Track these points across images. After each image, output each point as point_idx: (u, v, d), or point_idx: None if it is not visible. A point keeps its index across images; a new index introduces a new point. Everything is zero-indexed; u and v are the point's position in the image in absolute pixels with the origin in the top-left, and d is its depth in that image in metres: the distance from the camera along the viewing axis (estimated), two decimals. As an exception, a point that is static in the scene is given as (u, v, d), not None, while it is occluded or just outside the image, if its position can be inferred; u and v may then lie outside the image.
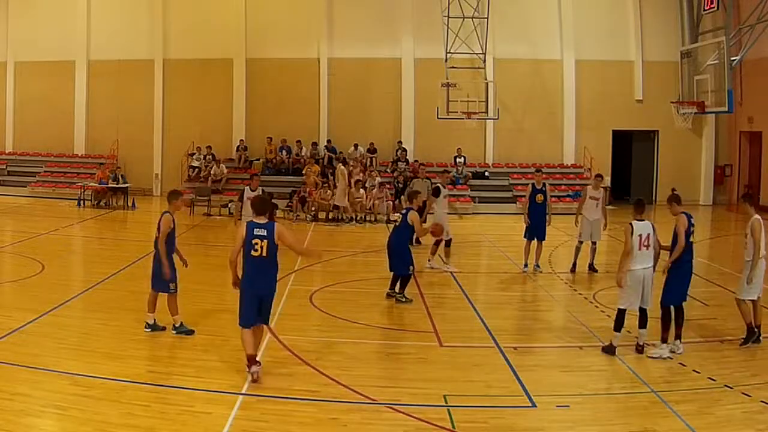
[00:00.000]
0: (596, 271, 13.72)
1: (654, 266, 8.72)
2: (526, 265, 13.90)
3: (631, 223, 8.64)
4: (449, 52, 24.28)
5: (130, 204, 23.01)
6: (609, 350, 8.71)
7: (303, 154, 25.09)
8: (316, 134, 25.85)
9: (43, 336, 9.03)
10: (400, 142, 25.43)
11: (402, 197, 20.10)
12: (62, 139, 26.85)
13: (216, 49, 26.07)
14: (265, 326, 8.09)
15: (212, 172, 23.96)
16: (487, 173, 25.19)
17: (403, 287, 11.42)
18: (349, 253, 16.29)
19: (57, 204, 23.64)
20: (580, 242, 13.88)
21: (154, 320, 9.30)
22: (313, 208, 21.34)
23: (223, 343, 9.05)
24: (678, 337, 8.71)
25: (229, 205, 21.91)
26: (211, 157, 24.73)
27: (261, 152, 25.74)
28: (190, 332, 9.16)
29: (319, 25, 26.01)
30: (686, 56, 24.84)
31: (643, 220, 8.68)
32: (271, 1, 26.36)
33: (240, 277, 7.80)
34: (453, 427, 6.66)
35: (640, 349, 8.71)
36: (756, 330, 8.96)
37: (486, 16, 24.18)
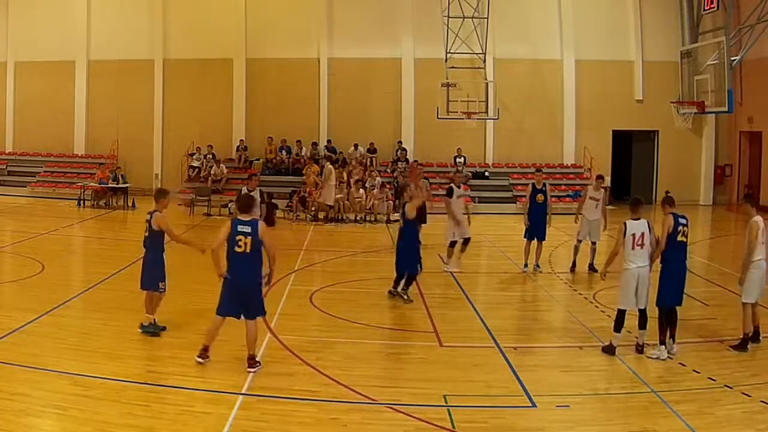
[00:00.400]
0: (596, 271, 13.67)
1: (651, 265, 8.72)
2: (526, 265, 13.90)
3: (625, 222, 8.66)
4: (449, 52, 24.28)
5: (130, 204, 23.01)
6: (609, 350, 8.72)
7: (303, 154, 25.09)
8: (316, 134, 25.85)
9: (43, 336, 9.03)
10: (400, 142, 25.43)
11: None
12: (62, 139, 26.86)
13: (216, 49, 26.07)
14: (257, 322, 8.08)
15: (212, 172, 23.96)
16: (487, 173, 25.19)
17: (408, 285, 11.40)
18: (349, 253, 16.28)
19: (57, 204, 23.64)
20: (579, 241, 13.89)
21: (154, 320, 9.30)
22: (313, 208, 21.34)
23: (223, 343, 9.03)
24: (671, 337, 8.70)
25: (229, 205, 21.89)
26: (211, 157, 24.73)
27: (261, 152, 25.74)
28: (156, 334, 9.12)
29: (319, 25, 26.01)
30: (686, 56, 24.84)
31: (638, 219, 8.68)
32: (271, 1, 26.36)
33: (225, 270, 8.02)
34: (453, 427, 6.66)
35: (640, 349, 8.71)
36: (747, 336, 8.91)
37: (486, 16, 24.18)
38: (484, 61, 24.85)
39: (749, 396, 7.33)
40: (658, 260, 8.77)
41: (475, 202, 23.96)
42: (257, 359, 8.09)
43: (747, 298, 8.94)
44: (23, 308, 10.19)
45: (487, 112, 24.19)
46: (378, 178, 22.59)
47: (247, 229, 7.82)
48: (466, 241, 13.99)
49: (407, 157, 24.85)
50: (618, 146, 26.20)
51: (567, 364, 8.54)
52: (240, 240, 7.79)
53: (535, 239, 13.81)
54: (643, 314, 8.69)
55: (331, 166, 21.53)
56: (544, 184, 14.02)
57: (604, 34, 25.81)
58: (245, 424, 6.65)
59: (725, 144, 26.31)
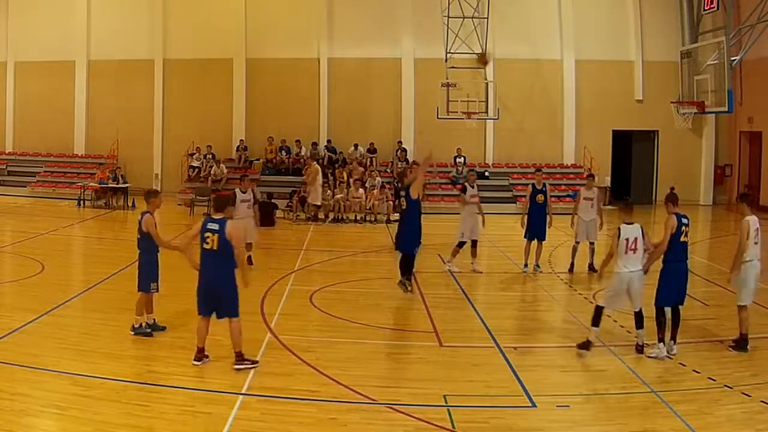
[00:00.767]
0: (595, 271, 13.67)
1: (647, 268, 8.74)
2: (526, 265, 13.90)
3: (619, 227, 8.65)
4: (449, 52, 24.28)
5: (130, 204, 23.01)
6: (585, 346, 8.68)
7: (303, 154, 25.09)
8: (316, 134, 25.86)
9: (43, 336, 9.03)
10: (400, 142, 25.43)
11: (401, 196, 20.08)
12: (62, 139, 26.88)
13: (216, 49, 26.08)
14: (238, 321, 8.03)
15: (212, 172, 23.96)
16: (487, 173, 25.18)
17: (408, 270, 11.37)
18: (349, 253, 16.28)
19: (57, 204, 23.64)
20: (577, 242, 13.90)
21: (154, 320, 9.31)
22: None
23: (222, 343, 9.04)
24: (673, 338, 8.71)
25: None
26: (211, 157, 24.73)
27: (261, 152, 25.74)
28: (149, 335, 9.10)
29: (319, 25, 26.02)
30: (686, 56, 24.84)
31: (632, 224, 8.67)
32: (271, 1, 26.37)
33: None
34: (453, 427, 6.66)
35: (640, 348, 8.72)
36: (744, 335, 8.91)
37: (486, 16, 24.18)
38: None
39: (749, 396, 7.33)
40: (651, 260, 8.79)
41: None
42: (246, 357, 8.02)
43: (742, 301, 8.94)
44: (23, 308, 10.20)
45: (487, 112, 24.20)
46: (378, 178, 22.60)
47: (215, 226, 7.90)
48: (475, 243, 13.97)
49: (407, 157, 24.84)
50: (618, 146, 26.20)
51: (567, 364, 8.54)
52: (208, 237, 7.90)
53: (535, 239, 13.81)
54: (638, 315, 8.68)
55: (317, 166, 21.54)
56: (544, 185, 14.02)
57: (604, 34, 25.81)
58: (245, 424, 6.65)
59: (725, 144, 26.31)
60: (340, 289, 12.54)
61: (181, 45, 26.26)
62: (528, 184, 14.48)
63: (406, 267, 11.45)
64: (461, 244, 13.85)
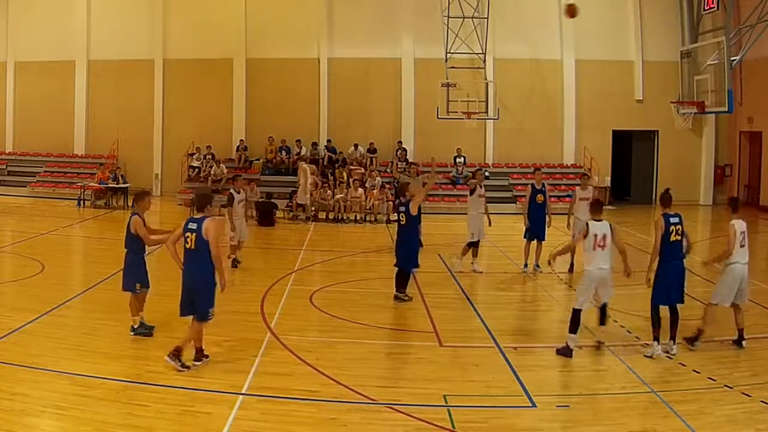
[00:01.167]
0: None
1: (648, 274, 8.78)
2: (526, 265, 13.90)
3: (587, 222, 8.70)
4: (449, 52, 24.29)
5: (130, 204, 22.92)
6: (565, 352, 8.67)
7: (303, 154, 25.08)
8: (316, 134, 25.86)
9: (43, 336, 9.04)
10: (400, 142, 25.42)
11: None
12: (62, 139, 26.87)
13: (216, 49, 26.08)
14: (201, 325, 8.01)
15: (212, 172, 23.96)
16: (487, 173, 25.15)
17: (404, 285, 11.41)
18: (349, 253, 16.28)
19: (57, 204, 23.64)
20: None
21: (142, 319, 9.32)
22: (313, 208, 21.35)
23: (222, 342, 9.06)
24: (672, 338, 8.72)
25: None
26: (211, 157, 24.72)
27: (261, 152, 25.74)
28: (149, 334, 9.10)
29: (319, 25, 26.01)
30: (686, 56, 24.84)
31: (600, 221, 8.69)
32: (271, 1, 26.36)
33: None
34: (453, 427, 6.66)
35: (598, 346, 8.70)
36: (701, 331, 8.99)
37: (486, 16, 24.20)
38: (484, 61, 24.87)
39: (749, 396, 7.33)
40: (649, 263, 8.86)
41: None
42: (181, 358, 7.94)
43: (713, 299, 9.01)
44: (23, 308, 10.20)
45: (487, 112, 24.20)
46: (378, 178, 22.60)
47: (194, 226, 7.91)
48: (477, 243, 13.98)
49: (407, 157, 24.84)
50: (618, 146, 26.20)
51: (567, 364, 8.53)
52: (188, 236, 7.93)
53: (535, 239, 13.81)
54: (603, 311, 8.72)
55: (305, 166, 21.57)
56: (544, 184, 14.02)
57: (604, 34, 25.80)
58: (245, 424, 6.66)
59: (725, 144, 26.31)
60: (340, 289, 12.54)
61: (181, 45, 26.25)
62: (528, 184, 14.47)
63: (402, 282, 11.46)
64: (470, 244, 13.85)
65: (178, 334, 9.14)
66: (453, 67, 24.30)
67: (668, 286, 8.70)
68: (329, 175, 23.27)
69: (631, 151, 26.63)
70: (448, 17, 24.04)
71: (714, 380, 7.82)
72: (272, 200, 21.19)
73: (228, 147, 26.02)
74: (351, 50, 25.89)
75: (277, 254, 17.02)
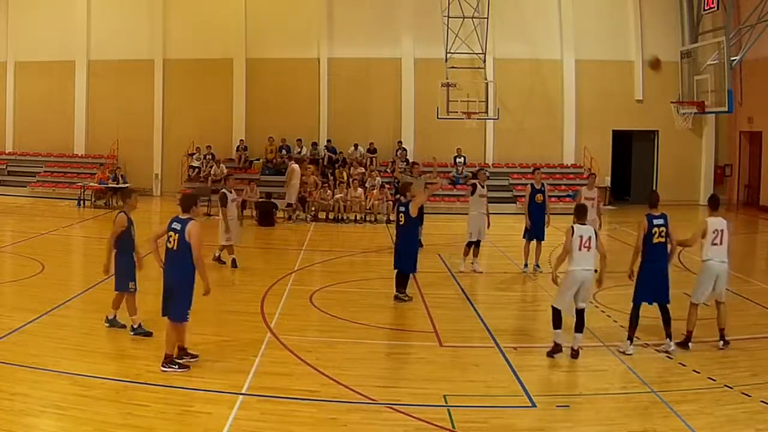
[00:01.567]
0: (595, 271, 13.67)
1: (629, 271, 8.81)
2: (526, 265, 13.90)
3: (572, 225, 8.68)
4: (449, 52, 24.28)
5: (130, 204, 22.96)
6: (554, 350, 8.66)
7: (302, 154, 25.07)
8: (316, 134, 25.86)
9: (43, 336, 9.04)
10: (400, 142, 25.43)
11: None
12: (62, 139, 26.86)
13: (216, 49, 26.08)
14: (181, 326, 8.00)
15: (212, 172, 23.95)
16: (487, 173, 25.15)
17: (403, 285, 11.41)
18: (349, 253, 16.28)
19: (57, 204, 23.64)
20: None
21: (115, 315, 9.35)
22: (313, 208, 21.35)
23: (222, 343, 9.07)
24: (668, 336, 8.75)
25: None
26: (211, 157, 24.72)
27: (261, 152, 25.74)
28: (148, 334, 9.07)
29: (319, 25, 26.01)
30: (686, 56, 24.84)
31: (584, 224, 8.72)
32: (271, 1, 26.36)
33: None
34: (453, 427, 6.66)
35: (575, 354, 8.61)
36: (690, 333, 8.98)
37: (486, 16, 24.19)
38: (484, 61, 24.86)
39: (749, 396, 7.34)
40: (630, 263, 8.94)
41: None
42: (176, 360, 7.94)
43: (693, 299, 9.05)
44: (23, 308, 10.20)
45: (487, 112, 24.20)
46: (378, 178, 22.60)
47: (178, 226, 7.90)
48: (478, 243, 13.98)
49: (407, 157, 24.84)
50: (618, 146, 26.20)
51: (567, 364, 8.53)
52: (171, 236, 7.91)
53: (535, 239, 13.80)
54: (579, 316, 8.65)
55: (295, 166, 21.60)
56: (543, 184, 14.02)
57: (604, 34, 25.80)
58: (245, 424, 6.66)
59: (725, 144, 26.31)
60: (340, 289, 12.54)
61: (181, 45, 26.25)
62: (527, 184, 14.48)
63: (402, 282, 11.46)
64: (470, 244, 13.85)
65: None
66: (453, 67, 24.30)
67: (650, 287, 8.73)
68: (329, 175, 23.28)
69: (631, 151, 26.63)
70: (448, 17, 24.04)
71: (714, 380, 7.82)
72: (272, 200, 21.19)
73: (228, 147, 26.01)
74: (351, 50, 25.88)
75: (277, 254, 17.02)
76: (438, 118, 23.77)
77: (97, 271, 13.24)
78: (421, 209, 14.05)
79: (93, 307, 10.59)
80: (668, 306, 8.84)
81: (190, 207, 8.08)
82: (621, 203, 25.64)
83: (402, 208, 11.47)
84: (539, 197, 13.79)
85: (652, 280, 8.74)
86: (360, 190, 21.76)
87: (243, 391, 7.39)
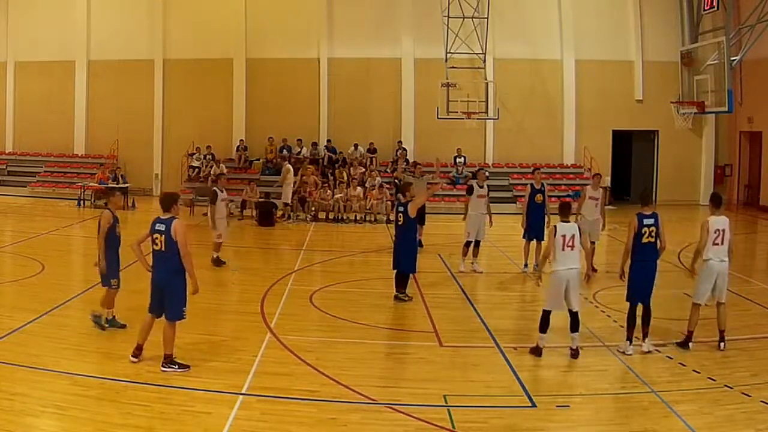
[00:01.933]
0: (595, 270, 13.70)
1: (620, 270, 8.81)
2: (526, 265, 13.90)
3: (555, 225, 8.67)
4: (449, 52, 24.29)
5: (130, 204, 23.00)
6: (536, 352, 8.69)
7: (302, 153, 25.06)
8: (316, 134, 25.87)
9: (43, 336, 9.04)
10: (400, 142, 25.44)
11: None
12: (62, 139, 26.89)
13: (216, 49, 26.10)
14: (174, 325, 7.98)
15: (212, 172, 23.94)
16: (487, 173, 25.15)
17: (403, 285, 11.42)
18: (349, 253, 16.28)
19: (57, 204, 23.64)
20: (592, 246, 13.82)
21: (114, 316, 9.46)
22: (313, 208, 21.35)
23: (223, 343, 9.07)
24: (644, 335, 8.74)
25: (229, 205, 21.85)
26: (211, 157, 24.72)
27: (261, 152, 25.75)
28: (102, 327, 9.28)
29: (319, 25, 26.02)
30: (686, 56, 24.84)
31: (568, 222, 8.72)
32: (271, 1, 26.37)
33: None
34: (453, 427, 6.66)
35: (575, 353, 8.63)
36: (690, 333, 8.98)
37: (486, 16, 24.21)
38: (484, 61, 24.88)
39: (749, 396, 7.34)
40: (620, 262, 8.93)
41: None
42: (175, 360, 7.95)
43: (695, 298, 9.04)
44: (23, 308, 10.21)
45: (487, 112, 24.21)
46: (378, 178, 22.61)
47: (162, 227, 7.90)
48: (477, 243, 13.98)
49: (407, 157, 24.85)
50: (618, 146, 26.21)
51: (567, 364, 8.53)
52: (156, 238, 7.92)
53: (535, 239, 13.80)
54: (574, 317, 8.63)
55: (289, 166, 21.70)
56: (543, 184, 14.01)
57: (604, 34, 25.82)
58: (245, 424, 6.66)
59: (725, 144, 26.33)
60: (340, 289, 12.54)
61: (181, 45, 26.27)
62: (527, 184, 14.48)
63: (402, 282, 11.47)
64: (468, 244, 13.86)
65: (180, 333, 9.12)
66: (453, 67, 24.31)
67: (640, 285, 8.72)
68: (329, 175, 23.28)
69: (631, 151, 26.64)
70: (448, 17, 24.05)
71: (714, 380, 7.82)
72: (272, 201, 21.20)
73: (228, 147, 26.03)
74: (351, 50, 25.90)
75: (277, 254, 17.03)
76: (438, 118, 23.78)
77: (97, 271, 13.26)
78: (422, 210, 14.09)
79: (93, 307, 10.58)
80: (650, 306, 8.80)
81: (171, 206, 8.08)
82: (621, 203, 25.61)
83: (401, 208, 11.46)
84: (539, 197, 13.78)
85: (641, 279, 8.73)
86: (359, 189, 21.77)
87: (243, 391, 7.39)
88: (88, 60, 26.83)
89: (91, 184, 23.79)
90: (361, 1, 26.13)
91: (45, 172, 26.18)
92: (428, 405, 7.20)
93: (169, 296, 7.91)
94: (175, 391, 7.35)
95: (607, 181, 25.47)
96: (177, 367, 7.90)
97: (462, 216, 14.22)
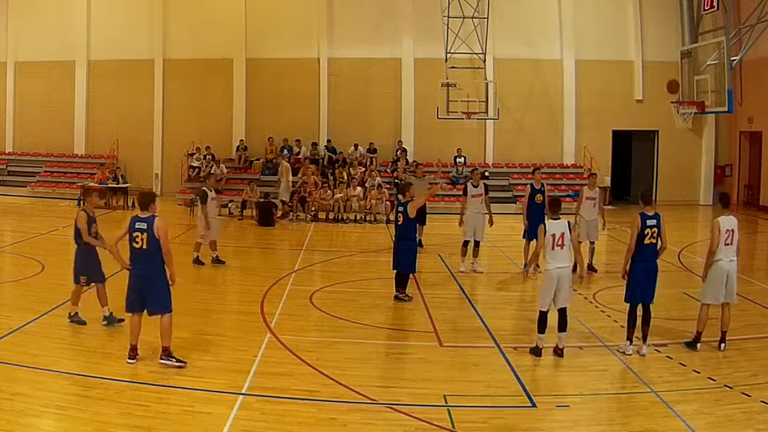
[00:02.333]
0: (595, 270, 13.72)
1: (623, 271, 8.80)
2: (525, 265, 13.87)
3: (544, 222, 8.63)
4: (449, 52, 24.29)
5: (130, 204, 23.00)
6: (535, 352, 8.68)
7: (301, 153, 25.06)
8: (316, 134, 25.86)
9: (43, 336, 9.04)
10: (400, 142, 25.44)
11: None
12: (62, 139, 26.90)
13: (216, 49, 26.08)
14: (168, 316, 8.09)
15: (212, 171, 23.93)
16: (487, 173, 25.16)
17: (403, 285, 11.42)
18: (349, 253, 16.28)
19: (57, 204, 23.63)
20: (579, 242, 13.81)
21: (110, 312, 9.54)
22: (313, 208, 21.35)
23: (223, 343, 9.07)
24: (643, 338, 8.72)
25: (229, 205, 21.93)
26: (211, 157, 24.73)
27: (261, 152, 25.75)
28: (83, 323, 9.47)
29: (319, 25, 26.02)
30: (686, 56, 24.83)
31: (558, 219, 8.66)
32: (271, 1, 26.38)
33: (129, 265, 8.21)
34: (453, 427, 6.66)
35: (560, 352, 8.64)
36: (699, 333, 8.97)
37: (486, 16, 24.20)
38: (484, 61, 24.87)
39: (749, 396, 7.34)
40: (622, 261, 8.91)
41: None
42: (173, 354, 8.05)
43: (704, 299, 9.02)
44: (23, 308, 10.21)
45: (487, 112, 24.19)
46: (378, 178, 22.60)
47: (144, 225, 7.98)
48: (477, 243, 13.97)
49: (407, 157, 24.84)
50: (618, 146, 26.21)
51: (567, 364, 8.53)
52: (137, 236, 7.97)
53: (535, 239, 13.76)
54: (562, 315, 8.62)
55: (287, 164, 21.69)
56: (543, 184, 14.01)
57: (604, 34, 25.81)
58: (245, 424, 6.66)
59: (725, 144, 26.32)
60: (340, 289, 12.54)
61: (181, 45, 26.27)
62: (527, 184, 14.48)
63: (402, 282, 11.47)
64: (466, 243, 13.86)
65: (178, 333, 9.14)
66: (453, 67, 24.31)
67: (641, 285, 8.69)
68: (329, 175, 23.27)
69: (631, 151, 26.64)
70: (448, 17, 24.04)
71: (714, 380, 7.82)
72: (270, 200, 21.20)
73: (228, 147, 26.03)
74: (351, 50, 25.89)
75: (277, 254, 17.03)
76: (438, 118, 23.77)
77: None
78: (424, 210, 14.07)
79: (93, 307, 10.58)
80: (651, 306, 8.78)
81: (149, 204, 8.19)
82: (621, 203, 25.62)
83: (401, 208, 11.46)
84: (539, 197, 13.77)
85: (642, 280, 8.70)
86: (359, 189, 21.77)
87: (243, 391, 7.39)
88: (88, 60, 26.83)
89: (91, 184, 23.77)
90: (361, 1, 26.12)
91: (45, 172, 26.18)
92: (428, 405, 7.20)
93: (155, 292, 8.02)
94: (175, 391, 7.35)
95: (607, 181, 25.51)
96: (175, 360, 7.97)
97: (459, 218, 14.16)
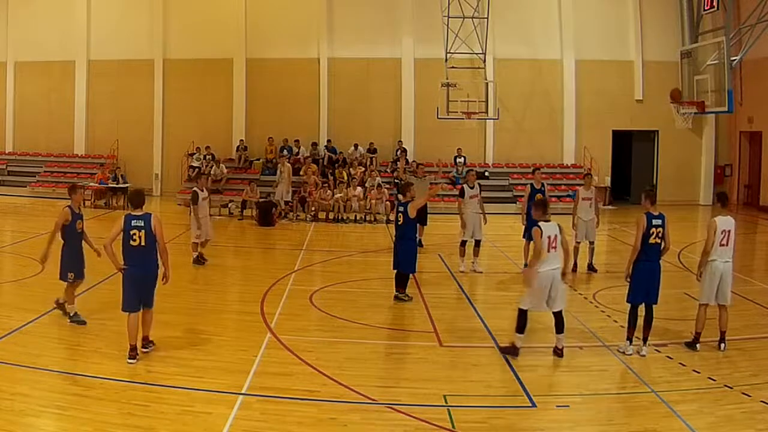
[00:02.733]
0: (595, 270, 13.72)
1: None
2: (525, 265, 13.87)
3: (538, 225, 8.56)
4: (449, 52, 24.30)
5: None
6: (511, 351, 8.62)
7: (300, 154, 25.05)
8: (316, 134, 25.87)
9: (43, 336, 9.04)
10: (401, 142, 25.44)
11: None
12: (62, 139, 26.90)
13: (216, 49, 26.09)
14: (150, 312, 8.41)
15: (212, 172, 23.95)
16: (487, 173, 25.19)
17: (403, 285, 11.42)
18: (349, 253, 16.28)
19: (57, 204, 23.55)
20: (578, 243, 13.84)
21: (76, 312, 9.70)
22: (313, 208, 21.35)
23: (223, 342, 9.07)
24: (644, 339, 8.71)
25: (229, 205, 21.93)
26: (210, 157, 24.73)
27: (261, 152, 25.76)
28: (83, 322, 9.50)
29: (319, 25, 26.02)
30: (686, 56, 24.83)
31: (548, 221, 8.62)
32: (271, 1, 26.37)
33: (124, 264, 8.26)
34: (453, 427, 6.66)
35: (559, 353, 8.62)
36: (698, 334, 8.95)
37: (486, 16, 24.21)
38: (484, 61, 24.88)
39: (749, 396, 7.33)
40: (628, 261, 8.84)
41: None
42: (150, 339, 8.48)
43: (700, 299, 9.00)
44: (23, 308, 10.22)
45: (487, 112, 24.20)
46: (378, 178, 22.61)
47: (141, 223, 8.08)
48: (477, 242, 13.98)
49: (407, 157, 24.84)
50: (618, 146, 26.20)
51: (567, 364, 8.53)
52: (134, 234, 8.05)
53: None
54: (558, 317, 8.59)
55: (289, 165, 21.70)
56: (543, 184, 14.03)
57: (604, 34, 25.81)
58: (245, 424, 6.65)
59: (725, 144, 26.31)
60: (340, 289, 12.53)
61: (181, 45, 26.27)
62: (527, 184, 14.49)
63: (402, 282, 11.47)
64: (464, 243, 13.88)
65: (177, 333, 9.23)
66: (453, 67, 24.32)
67: (644, 286, 8.66)
68: (329, 175, 23.27)
69: (631, 151, 26.63)
70: (448, 17, 24.05)
71: (714, 380, 7.82)
72: (270, 200, 21.19)
73: (228, 147, 26.03)
74: (351, 50, 25.90)
75: (277, 254, 17.02)
76: (438, 118, 23.78)
77: (97, 271, 13.28)
78: (424, 210, 14.07)
79: (93, 307, 10.60)
80: (654, 307, 8.76)
81: (142, 203, 8.33)
82: (621, 203, 25.64)
83: (401, 209, 11.45)
84: (539, 197, 13.74)
85: (646, 280, 8.68)
86: (359, 188, 21.77)
87: (243, 391, 7.39)
88: (88, 60, 26.83)
89: (91, 184, 23.78)
90: (361, 1, 26.12)
91: (45, 172, 26.18)
92: (428, 405, 7.20)
93: (151, 288, 8.26)
94: (175, 391, 7.35)
95: (607, 181, 25.52)
96: (153, 345, 8.44)
97: (460, 220, 14.17)
